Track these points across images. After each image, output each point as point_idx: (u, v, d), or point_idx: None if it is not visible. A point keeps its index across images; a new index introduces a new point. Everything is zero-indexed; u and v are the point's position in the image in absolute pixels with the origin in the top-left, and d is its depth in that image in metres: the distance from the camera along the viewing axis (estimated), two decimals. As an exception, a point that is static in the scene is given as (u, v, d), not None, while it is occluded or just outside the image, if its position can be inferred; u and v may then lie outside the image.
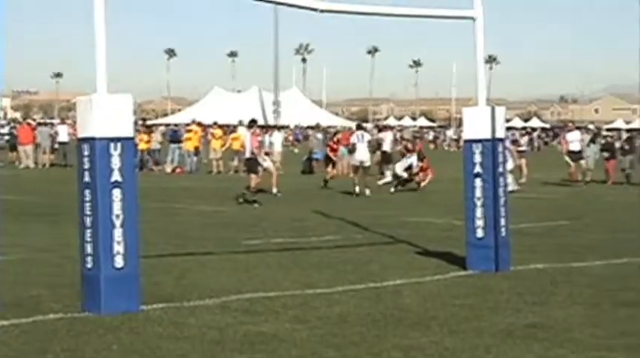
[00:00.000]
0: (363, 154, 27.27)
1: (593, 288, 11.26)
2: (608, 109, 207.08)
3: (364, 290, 11.13)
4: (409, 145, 31.19)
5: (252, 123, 25.21)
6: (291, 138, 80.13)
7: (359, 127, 30.98)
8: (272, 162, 27.73)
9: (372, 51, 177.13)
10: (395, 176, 29.34)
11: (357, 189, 26.55)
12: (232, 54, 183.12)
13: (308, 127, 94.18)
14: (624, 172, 33.30)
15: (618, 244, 15.52)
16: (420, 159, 29.34)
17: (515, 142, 36.92)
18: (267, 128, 44.70)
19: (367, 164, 27.56)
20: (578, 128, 36.58)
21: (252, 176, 23.59)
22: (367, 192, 26.45)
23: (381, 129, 46.09)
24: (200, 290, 10.95)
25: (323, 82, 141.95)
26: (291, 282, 11.60)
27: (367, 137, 28.21)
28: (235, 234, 16.97)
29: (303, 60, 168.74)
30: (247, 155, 24.23)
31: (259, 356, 8.00)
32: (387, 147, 36.99)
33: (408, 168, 28.73)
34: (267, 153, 28.01)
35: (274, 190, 25.89)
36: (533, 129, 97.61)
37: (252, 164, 23.85)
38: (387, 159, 37.03)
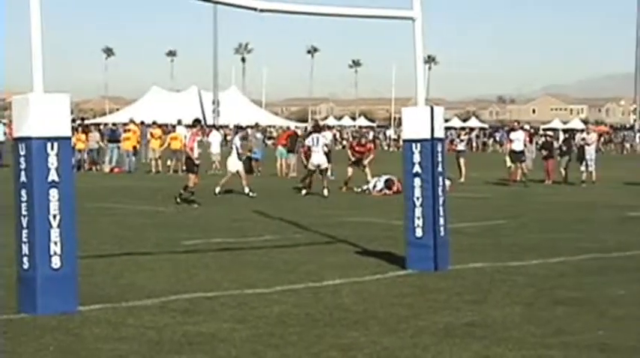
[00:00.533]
0: (319, 158, 27.11)
1: (531, 287, 11.39)
2: (545, 109, 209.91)
3: (303, 290, 11.15)
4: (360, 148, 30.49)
5: (196, 122, 25.06)
6: (229, 137, 79.71)
7: (315, 130, 30.55)
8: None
9: (312, 51, 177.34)
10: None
11: (304, 191, 26.66)
12: (171, 53, 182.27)
13: (247, 127, 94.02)
14: (562, 172, 33.71)
15: (555, 243, 15.72)
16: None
17: (452, 142, 37.29)
18: (206, 128, 44.43)
19: (324, 166, 27.30)
20: (522, 128, 36.89)
21: (191, 176, 23.44)
22: (325, 192, 26.08)
23: (316, 128, 46.05)
24: (138, 291, 10.89)
25: (262, 82, 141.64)
26: (230, 282, 11.59)
27: (323, 140, 27.82)
28: (174, 234, 16.89)
29: (243, 59, 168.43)
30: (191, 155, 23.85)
31: (198, 357, 7.98)
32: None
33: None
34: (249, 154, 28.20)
35: (246, 190, 25.59)
36: (472, 129, 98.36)
37: (190, 164, 23.69)
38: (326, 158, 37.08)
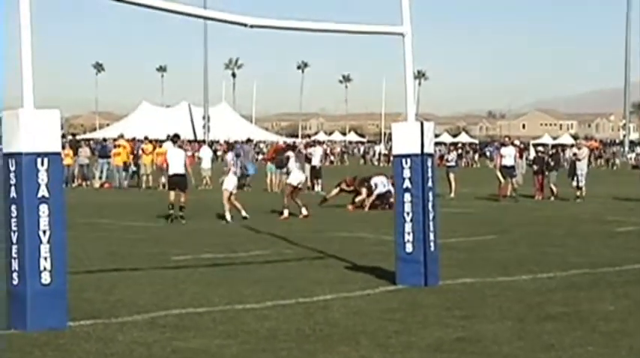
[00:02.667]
0: (300, 176, 26.42)
1: (521, 302, 11.40)
2: (535, 124, 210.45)
3: (294, 306, 11.14)
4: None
5: (176, 138, 24.83)
6: (219, 153, 79.69)
7: (310, 145, 30.26)
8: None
9: (302, 66, 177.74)
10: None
11: (304, 210, 25.18)
12: (161, 68, 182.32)
13: (238, 142, 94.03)
14: (552, 187, 33.74)
15: (545, 258, 15.74)
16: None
17: (442, 158, 37.34)
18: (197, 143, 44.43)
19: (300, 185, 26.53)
20: (512, 143, 36.94)
21: (183, 193, 23.23)
22: (304, 211, 25.00)
23: (310, 144, 46.26)
24: (128, 307, 10.87)
25: (253, 97, 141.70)
26: (220, 298, 11.57)
27: (300, 159, 27.21)
28: (164, 250, 16.87)
29: (233, 75, 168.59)
30: (175, 171, 23.44)
31: (188, 373, 7.97)
32: (316, 162, 37.19)
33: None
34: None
35: (243, 213, 23.70)
36: (463, 145, 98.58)
37: (182, 181, 23.53)
38: (316, 173, 37.20)
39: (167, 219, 23.00)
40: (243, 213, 23.51)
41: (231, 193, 23.61)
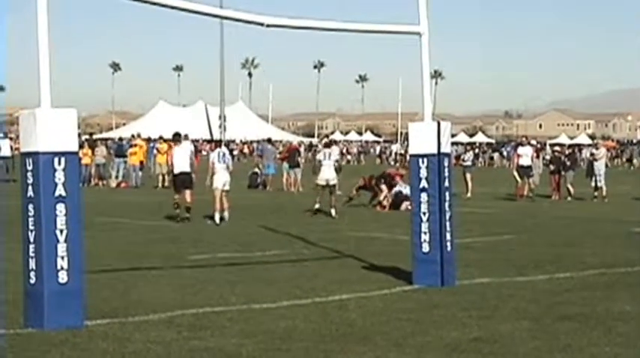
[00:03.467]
0: (329, 173, 26.11)
1: (538, 303, 11.38)
2: (552, 124, 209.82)
3: (310, 305, 11.15)
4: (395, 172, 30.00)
5: (177, 136, 24.41)
6: (236, 153, 79.85)
7: (327, 145, 30.49)
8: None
9: (318, 65, 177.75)
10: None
11: (317, 206, 25.47)
12: (178, 68, 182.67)
13: (252, 142, 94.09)
14: (568, 187, 33.65)
15: (562, 258, 15.69)
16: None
17: (458, 158, 37.24)
18: (214, 143, 44.42)
19: (333, 182, 26.17)
20: (529, 143, 36.86)
21: (188, 192, 22.94)
22: (333, 212, 25.02)
23: (327, 143, 46.25)
24: (145, 306, 10.90)
25: (269, 97, 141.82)
26: (237, 297, 11.58)
27: (334, 156, 27.22)
28: (181, 249, 16.90)
29: (249, 74, 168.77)
30: (180, 169, 23.17)
31: (205, 372, 7.98)
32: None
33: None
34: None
35: (217, 216, 22.96)
36: (480, 145, 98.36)
37: (187, 179, 23.21)
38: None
39: (175, 219, 22.81)
40: (225, 214, 22.95)
41: (222, 191, 23.04)
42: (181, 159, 23.26)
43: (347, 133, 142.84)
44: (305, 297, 11.62)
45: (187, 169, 23.20)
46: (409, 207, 24.25)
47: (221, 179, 23.20)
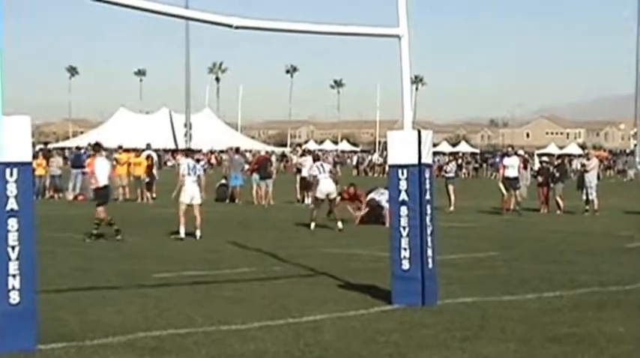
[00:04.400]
0: (328, 185, 26.40)
1: (525, 323, 11.40)
2: (540, 133, 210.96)
3: (282, 326, 11.13)
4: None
5: (97, 146, 24.07)
6: (202, 162, 79.59)
7: (317, 159, 30.78)
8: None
9: (291, 70, 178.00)
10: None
11: (314, 223, 25.69)
12: (140, 72, 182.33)
13: (221, 151, 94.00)
14: (557, 200, 33.80)
15: (551, 276, 15.74)
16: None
17: (440, 168, 37.33)
18: (177, 152, 44.37)
19: (333, 196, 26.58)
20: (516, 153, 36.96)
21: (101, 208, 22.47)
22: (340, 225, 25.45)
23: (302, 153, 46.36)
24: (104, 328, 10.84)
25: (238, 104, 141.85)
26: (204, 318, 11.55)
27: (328, 167, 27.40)
28: (143, 266, 16.84)
29: (217, 79, 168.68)
30: (104, 183, 22.76)
31: (168, 399, 7.94)
32: (305, 172, 37.15)
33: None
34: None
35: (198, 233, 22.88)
36: (463, 155, 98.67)
37: (107, 193, 23.09)
38: (306, 185, 37.20)
39: (92, 237, 21.98)
40: (198, 232, 22.69)
41: (188, 205, 22.88)
42: (104, 172, 23.10)
43: (321, 142, 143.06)
44: (277, 318, 11.60)
45: (107, 183, 23.12)
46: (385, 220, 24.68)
47: (189, 193, 23.04)
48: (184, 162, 23.90)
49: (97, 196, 22.78)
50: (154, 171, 40.80)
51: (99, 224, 22.33)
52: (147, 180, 39.78)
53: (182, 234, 22.47)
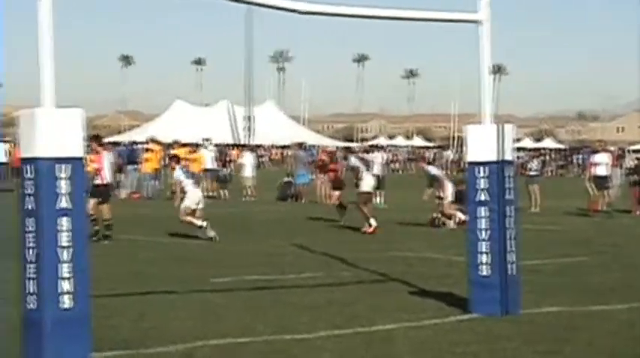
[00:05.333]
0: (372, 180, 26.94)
1: (615, 336, 11.32)
2: (633, 128, 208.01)
3: (350, 336, 11.15)
4: None
5: (96, 139, 24.13)
6: (264, 159, 79.99)
7: (353, 152, 31.02)
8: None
9: (361, 59, 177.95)
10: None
11: (373, 220, 25.60)
12: (199, 62, 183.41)
13: (283, 147, 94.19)
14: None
15: (644, 284, 15.62)
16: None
17: (523, 166, 37.04)
18: (239, 147, 44.57)
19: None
20: (605, 149, 36.52)
21: (106, 206, 22.89)
22: (374, 222, 25.59)
23: (368, 149, 46.42)
24: (160, 335, 10.95)
25: (303, 95, 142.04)
26: (266, 326, 11.61)
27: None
28: (201, 271, 16.96)
29: (281, 69, 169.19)
30: (109, 179, 23.43)
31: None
32: (377, 170, 37.16)
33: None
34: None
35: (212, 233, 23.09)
36: (548, 151, 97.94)
37: (106, 192, 23.31)
38: (377, 184, 37.19)
39: (97, 236, 22.04)
40: (211, 234, 22.89)
41: (194, 210, 23.26)
42: (109, 168, 23.53)
43: (393, 137, 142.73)
44: (345, 327, 11.63)
45: (110, 180, 23.63)
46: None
47: (195, 198, 23.58)
48: (177, 169, 24.44)
49: (99, 194, 22.84)
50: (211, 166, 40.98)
51: (109, 225, 22.70)
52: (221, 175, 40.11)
53: (212, 233, 22.77)
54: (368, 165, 34.67)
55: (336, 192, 29.04)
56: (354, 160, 27.86)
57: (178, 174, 23.87)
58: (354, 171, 26.92)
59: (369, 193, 26.60)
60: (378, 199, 36.41)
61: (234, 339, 10.81)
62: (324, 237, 23.97)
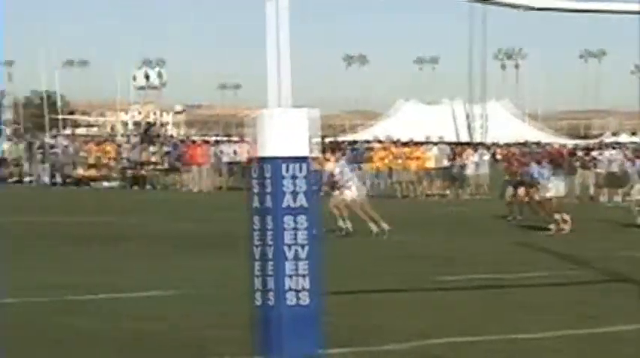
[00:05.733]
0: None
1: None
2: None
3: (580, 336, 10.90)
4: None
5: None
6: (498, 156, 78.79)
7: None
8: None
9: (600, 55, 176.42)
10: None
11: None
12: (431, 60, 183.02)
13: (507, 145, 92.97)
14: None
15: None
16: None
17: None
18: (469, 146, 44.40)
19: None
20: None
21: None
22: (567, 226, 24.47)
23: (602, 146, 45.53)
24: (386, 333, 10.93)
25: (538, 92, 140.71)
26: (496, 324, 11.47)
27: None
28: (424, 269, 16.86)
29: (515, 66, 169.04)
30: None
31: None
32: (617, 168, 36.52)
33: None
34: None
35: (374, 228, 23.04)
36: None
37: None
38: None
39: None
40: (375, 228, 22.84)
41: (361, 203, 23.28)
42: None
43: (614, 134, 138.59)
44: (576, 327, 11.38)
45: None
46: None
47: (356, 189, 23.76)
48: (338, 163, 25.20)
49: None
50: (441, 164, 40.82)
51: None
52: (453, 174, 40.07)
53: (380, 226, 22.63)
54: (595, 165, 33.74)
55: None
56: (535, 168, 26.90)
57: (338, 170, 24.23)
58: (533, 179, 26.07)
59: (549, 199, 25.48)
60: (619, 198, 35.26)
61: (463, 338, 10.68)
62: (550, 235, 23.35)
